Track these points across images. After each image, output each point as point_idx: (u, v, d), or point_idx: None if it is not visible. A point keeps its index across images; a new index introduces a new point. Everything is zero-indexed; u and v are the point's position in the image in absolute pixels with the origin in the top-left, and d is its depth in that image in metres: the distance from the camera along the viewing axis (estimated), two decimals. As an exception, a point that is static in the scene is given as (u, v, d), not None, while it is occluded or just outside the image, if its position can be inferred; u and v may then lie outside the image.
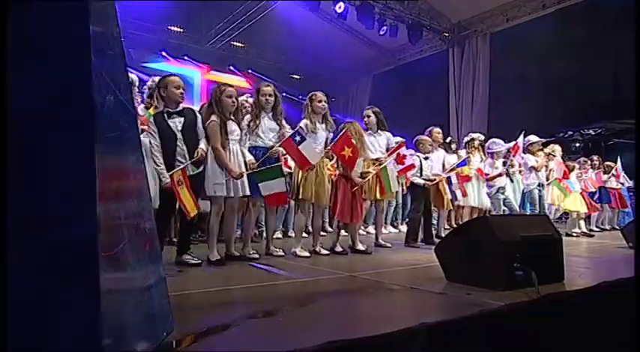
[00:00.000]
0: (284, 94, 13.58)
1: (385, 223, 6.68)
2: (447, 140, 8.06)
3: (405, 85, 12.59)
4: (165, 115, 3.41)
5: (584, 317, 2.42)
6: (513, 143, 5.86)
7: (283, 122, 4.03)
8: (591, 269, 3.68)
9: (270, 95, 3.93)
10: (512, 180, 6.07)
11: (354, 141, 4.16)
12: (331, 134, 4.30)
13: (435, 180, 5.06)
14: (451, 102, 11.88)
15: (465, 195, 5.36)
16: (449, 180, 5.19)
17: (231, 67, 12.83)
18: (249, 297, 2.42)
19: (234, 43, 12.47)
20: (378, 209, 5.01)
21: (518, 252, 2.64)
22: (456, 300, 2.40)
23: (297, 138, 3.86)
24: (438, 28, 11.71)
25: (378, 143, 4.80)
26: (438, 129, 5.80)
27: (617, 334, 2.49)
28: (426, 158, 5.09)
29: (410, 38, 11.28)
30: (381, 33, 11.12)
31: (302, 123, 4.04)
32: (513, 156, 5.79)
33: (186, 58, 12.07)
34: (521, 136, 5.96)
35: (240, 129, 3.72)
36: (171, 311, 1.60)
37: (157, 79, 4.34)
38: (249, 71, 13.07)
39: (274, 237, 4.37)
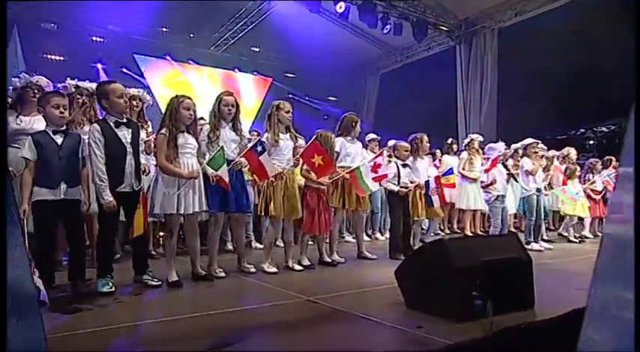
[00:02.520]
0: (289, 96, 13.57)
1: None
2: (449, 141, 7.82)
3: (412, 83, 12.31)
4: (113, 125, 3.16)
5: (544, 354, 2.22)
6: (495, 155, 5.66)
7: (243, 132, 3.90)
8: (578, 289, 3.43)
9: (232, 105, 3.76)
10: (516, 180, 5.83)
11: (326, 149, 4.05)
12: (301, 141, 4.20)
13: (409, 188, 4.83)
14: (459, 100, 11.56)
15: (443, 200, 5.10)
16: (427, 184, 4.93)
17: (237, 70, 12.78)
18: (179, 331, 2.31)
19: (238, 46, 12.39)
20: (357, 219, 4.82)
21: (478, 278, 2.46)
22: (401, 336, 2.25)
23: (259, 148, 3.75)
24: (444, 24, 11.38)
25: (357, 151, 4.67)
26: (426, 137, 5.57)
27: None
28: (404, 165, 4.87)
29: (415, 36, 10.99)
30: (385, 31, 10.87)
31: (264, 137, 3.92)
32: (487, 171, 5.57)
33: (190, 62, 12.07)
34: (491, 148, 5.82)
35: (198, 142, 3.58)
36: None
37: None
38: (255, 73, 13.01)
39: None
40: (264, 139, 3.92)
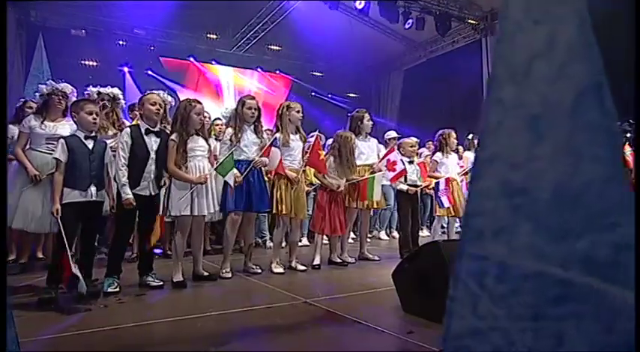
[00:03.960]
0: (312, 94, 13.55)
1: (380, 230, 6.45)
2: (469, 137, 7.58)
3: (437, 78, 12.06)
4: (143, 131, 3.34)
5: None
6: None
7: (264, 135, 3.96)
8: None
9: (255, 108, 3.84)
10: None
11: (346, 149, 4.19)
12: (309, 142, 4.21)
13: (420, 186, 4.70)
14: (485, 94, 11.20)
15: (451, 202, 4.91)
16: (436, 185, 4.78)
17: (259, 69, 12.87)
18: (170, 332, 2.33)
19: (260, 46, 12.45)
20: (362, 219, 4.76)
21: (475, 282, 2.36)
22: (390, 341, 2.18)
23: (277, 143, 3.82)
24: (469, 17, 11.06)
25: (370, 148, 4.61)
26: (454, 134, 5.41)
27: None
28: (411, 162, 4.76)
29: (438, 30, 10.73)
30: (407, 26, 10.67)
31: (277, 135, 3.94)
32: None
33: (214, 62, 12.25)
34: None
35: (208, 144, 3.64)
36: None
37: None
38: (277, 72, 13.06)
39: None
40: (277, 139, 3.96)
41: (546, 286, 0.43)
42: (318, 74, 13.61)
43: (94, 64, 10.64)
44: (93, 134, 3.23)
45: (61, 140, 3.15)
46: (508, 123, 0.49)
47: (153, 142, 3.35)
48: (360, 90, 14.08)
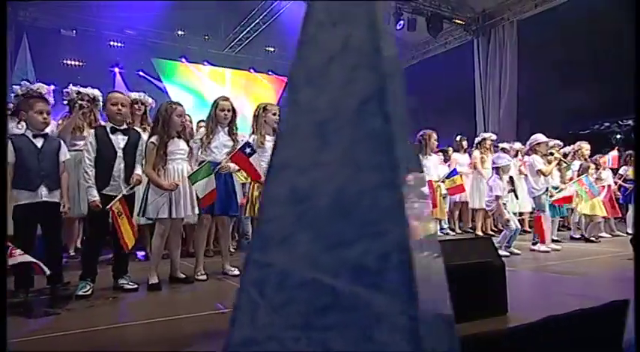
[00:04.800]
0: (305, 95, 13.56)
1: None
2: (457, 138, 7.56)
3: (430, 79, 12.06)
4: (109, 130, 3.31)
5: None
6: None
7: (238, 138, 3.90)
8: (570, 294, 3.24)
9: (228, 110, 3.81)
10: (517, 197, 5.43)
11: None
12: None
13: None
14: (477, 95, 11.22)
15: (434, 206, 4.87)
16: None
17: (252, 70, 12.86)
18: (141, 335, 2.31)
19: (253, 46, 12.45)
20: None
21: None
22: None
23: (248, 150, 3.72)
24: (461, 18, 11.07)
25: None
26: (435, 135, 5.41)
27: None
28: None
29: (429, 31, 10.74)
30: (398, 27, 10.66)
31: (250, 139, 3.91)
32: None
33: (206, 63, 12.24)
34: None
35: (189, 146, 3.63)
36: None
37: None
38: (269, 73, 13.06)
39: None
40: (250, 141, 3.91)
41: (318, 295, 0.42)
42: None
43: (84, 64, 10.63)
44: (43, 132, 3.14)
45: (8, 140, 3.02)
46: (302, 128, 0.48)
47: (120, 140, 3.30)
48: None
